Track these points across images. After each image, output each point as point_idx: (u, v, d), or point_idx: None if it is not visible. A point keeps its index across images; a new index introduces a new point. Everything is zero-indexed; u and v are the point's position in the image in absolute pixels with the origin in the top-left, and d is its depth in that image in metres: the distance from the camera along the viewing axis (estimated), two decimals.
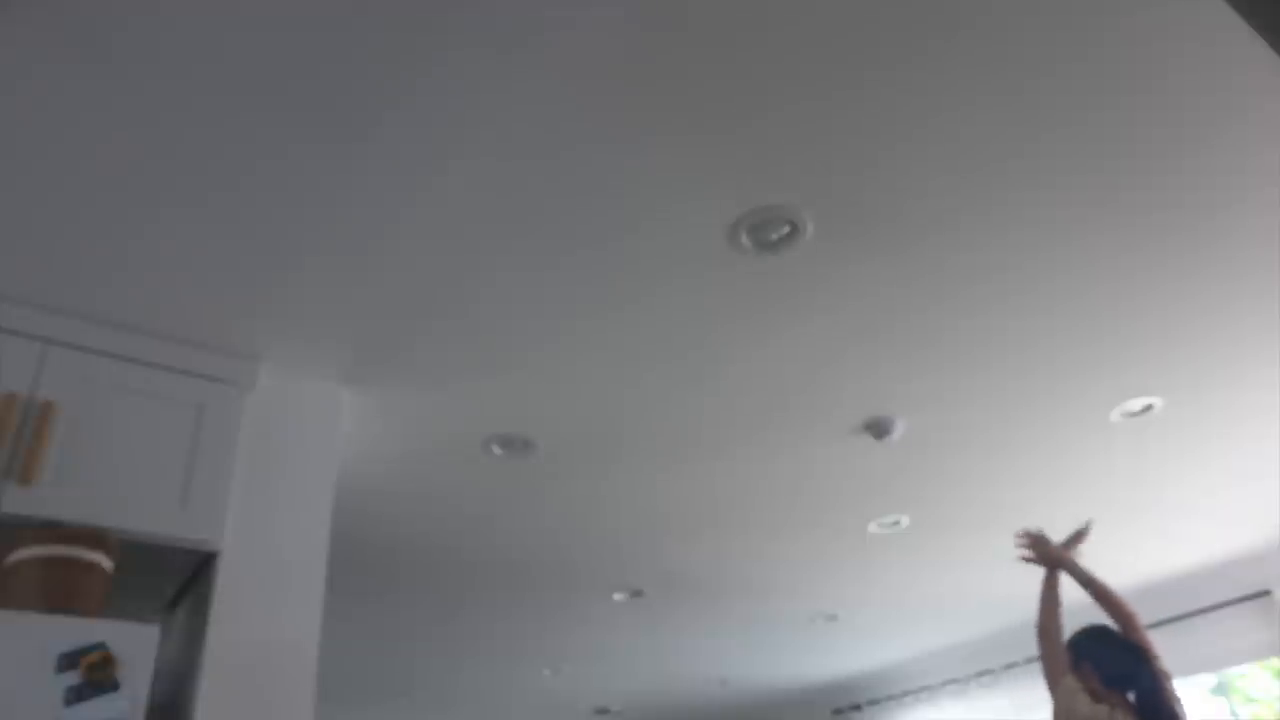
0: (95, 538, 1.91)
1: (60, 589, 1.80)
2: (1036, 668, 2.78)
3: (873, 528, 3.93)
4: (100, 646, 1.71)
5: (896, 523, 3.90)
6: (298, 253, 2.11)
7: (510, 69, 1.70)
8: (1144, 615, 5.04)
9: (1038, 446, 3.32)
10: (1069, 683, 2.44)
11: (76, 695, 1.65)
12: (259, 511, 2.29)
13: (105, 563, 1.91)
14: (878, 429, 3.07)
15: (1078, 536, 2.85)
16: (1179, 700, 2.41)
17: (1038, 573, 2.80)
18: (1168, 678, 2.45)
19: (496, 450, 3.03)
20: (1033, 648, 2.80)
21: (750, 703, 7.15)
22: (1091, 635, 2.56)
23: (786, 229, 2.15)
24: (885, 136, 1.92)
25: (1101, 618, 2.62)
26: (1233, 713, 4.78)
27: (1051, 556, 2.78)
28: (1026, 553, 2.82)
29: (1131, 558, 4.57)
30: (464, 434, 2.93)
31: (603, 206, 2.05)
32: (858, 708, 6.66)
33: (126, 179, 1.86)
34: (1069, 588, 2.70)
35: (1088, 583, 2.68)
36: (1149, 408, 3.10)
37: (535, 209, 2.04)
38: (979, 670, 5.61)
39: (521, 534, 3.72)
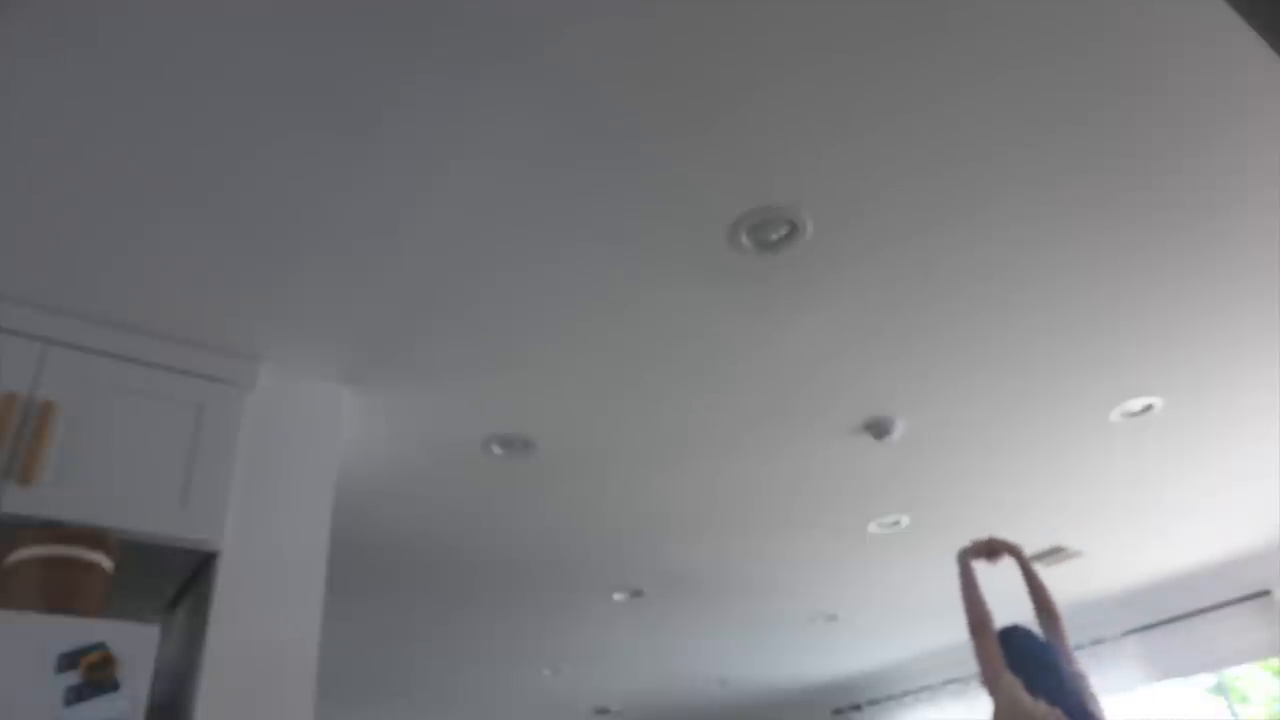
0: (95, 538, 1.90)
1: (60, 589, 1.80)
2: None
3: (873, 528, 3.93)
4: (100, 646, 1.71)
5: (896, 523, 3.90)
6: (298, 253, 2.11)
7: (510, 70, 1.70)
8: (1144, 615, 5.08)
9: (1038, 446, 3.32)
10: (1009, 679, 2.38)
11: (76, 695, 1.65)
12: (259, 511, 2.29)
13: (105, 563, 1.91)
14: (878, 429, 3.07)
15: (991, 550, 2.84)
16: (1095, 699, 2.38)
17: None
18: (1083, 678, 2.43)
19: (496, 450, 3.03)
20: None
21: (750, 703, 7.16)
22: (1012, 640, 2.51)
23: (786, 229, 2.15)
24: (885, 136, 1.92)
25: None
26: (1231, 712, 4.78)
27: (999, 545, 2.79)
28: (981, 552, 2.81)
29: (1131, 558, 4.57)
30: (464, 434, 2.93)
31: (603, 206, 2.05)
32: (858, 708, 6.66)
33: (127, 179, 1.86)
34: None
35: (1031, 573, 2.70)
36: (1149, 408, 3.10)
37: (535, 208, 2.04)
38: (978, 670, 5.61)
39: (521, 534, 3.72)
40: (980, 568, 2.76)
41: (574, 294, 2.33)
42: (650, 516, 3.66)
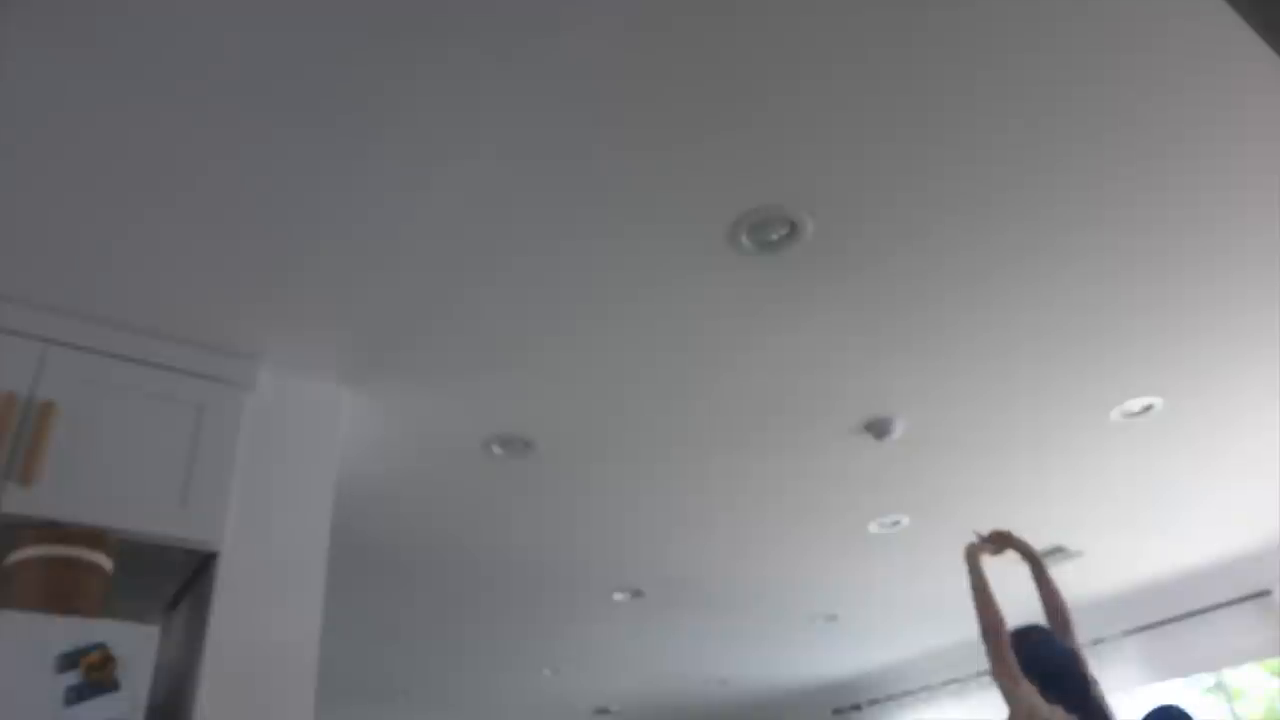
0: (95, 538, 1.91)
1: (60, 589, 1.80)
2: None
3: (873, 528, 3.93)
4: (100, 646, 1.71)
5: (896, 523, 3.90)
6: (298, 252, 2.11)
7: (510, 70, 1.70)
8: (1144, 615, 5.07)
9: (1038, 446, 3.32)
10: (1027, 686, 2.30)
11: (76, 695, 1.65)
12: (259, 511, 2.29)
13: (105, 563, 1.91)
14: (878, 429, 3.07)
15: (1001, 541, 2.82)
16: (1106, 702, 2.35)
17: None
18: (1095, 683, 2.38)
19: (496, 450, 3.03)
20: None
21: (750, 703, 7.15)
22: (1028, 643, 2.44)
23: (786, 229, 2.15)
24: (885, 136, 1.92)
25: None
26: (1231, 713, 4.78)
27: (1007, 539, 2.78)
28: (988, 546, 2.78)
29: (1131, 558, 4.57)
30: (464, 434, 2.93)
31: (603, 206, 2.05)
32: (858, 708, 6.66)
33: (126, 179, 1.86)
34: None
35: (1044, 576, 2.67)
36: (1149, 408, 3.10)
37: (535, 208, 2.04)
38: (979, 670, 5.61)
39: (521, 534, 3.72)
40: (988, 566, 2.69)
41: (574, 294, 2.33)
42: (650, 516, 3.66)
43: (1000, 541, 2.79)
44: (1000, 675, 2.38)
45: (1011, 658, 2.38)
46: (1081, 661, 2.45)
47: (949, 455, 3.33)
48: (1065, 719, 2.21)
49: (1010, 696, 2.33)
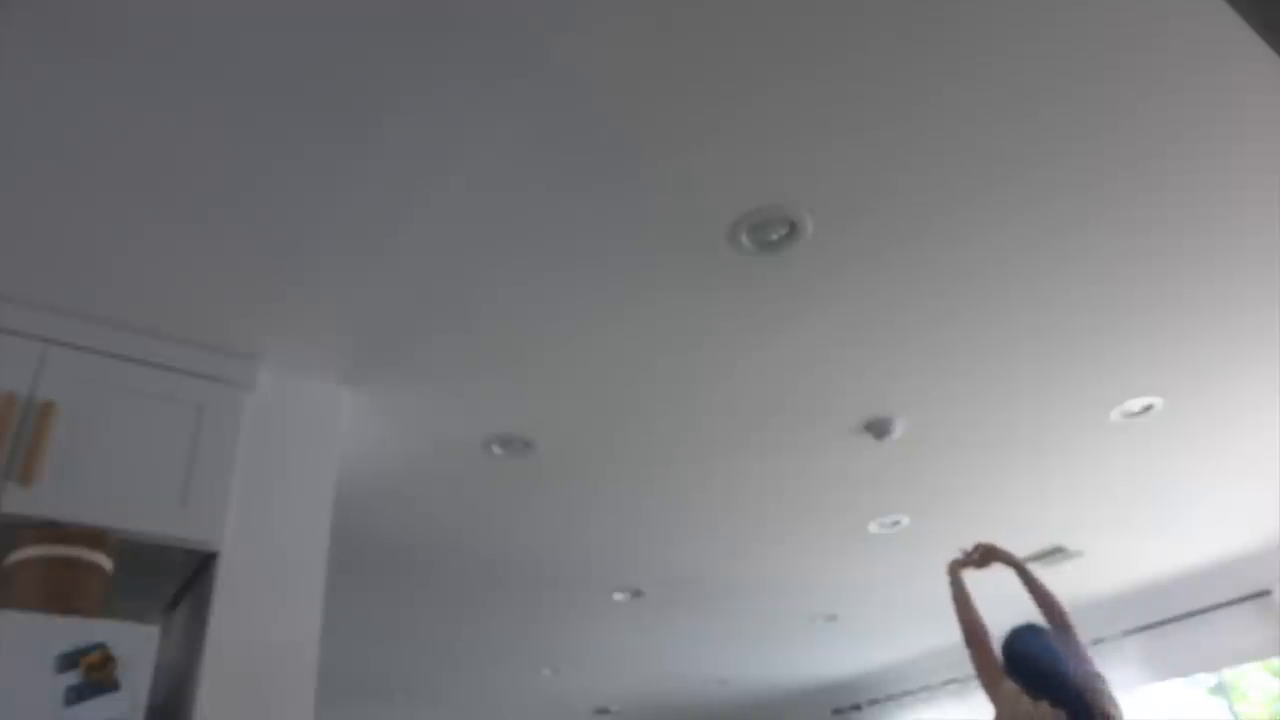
0: (95, 538, 1.91)
1: (60, 589, 1.80)
2: None
3: (873, 528, 3.93)
4: (100, 646, 1.71)
5: (896, 523, 3.90)
6: (298, 253, 2.11)
7: (511, 70, 1.70)
8: (1144, 615, 5.07)
9: (1038, 447, 3.32)
10: (1009, 686, 2.37)
11: (76, 695, 1.65)
12: (259, 511, 2.29)
13: (105, 563, 1.91)
14: (878, 429, 3.07)
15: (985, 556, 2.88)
16: (1113, 701, 2.35)
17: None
18: (1099, 678, 2.41)
19: (496, 450, 3.03)
20: None
21: (750, 703, 7.16)
22: (1016, 644, 2.49)
23: (786, 229, 2.15)
24: (885, 136, 1.92)
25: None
26: (1232, 713, 4.78)
27: (990, 553, 2.84)
28: (972, 560, 2.86)
29: (1131, 558, 4.57)
30: (464, 434, 2.93)
31: (603, 206, 2.05)
32: (858, 708, 6.66)
33: (128, 179, 1.86)
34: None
35: (1032, 582, 2.72)
36: (1149, 408, 3.10)
37: (535, 209, 2.04)
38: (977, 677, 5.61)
39: (521, 534, 3.72)
40: (978, 573, 2.78)
41: (573, 293, 2.33)
42: (650, 516, 3.66)
43: (984, 556, 2.86)
44: (982, 678, 2.51)
45: (993, 660, 2.49)
46: (1078, 657, 2.48)
47: (949, 455, 3.33)
48: (1051, 713, 2.26)
49: (993, 697, 2.44)
